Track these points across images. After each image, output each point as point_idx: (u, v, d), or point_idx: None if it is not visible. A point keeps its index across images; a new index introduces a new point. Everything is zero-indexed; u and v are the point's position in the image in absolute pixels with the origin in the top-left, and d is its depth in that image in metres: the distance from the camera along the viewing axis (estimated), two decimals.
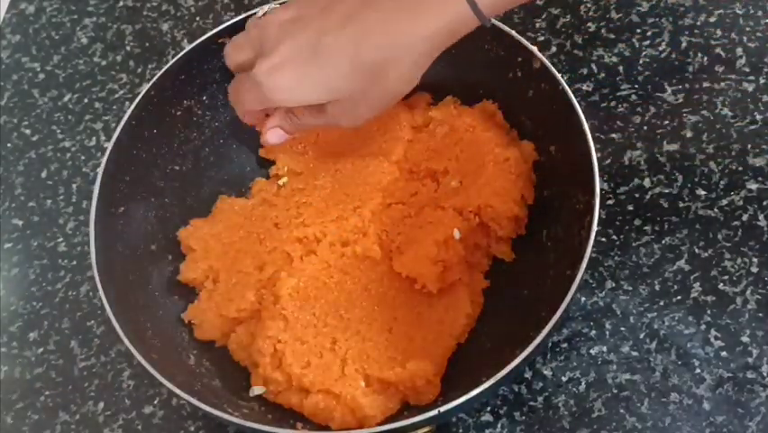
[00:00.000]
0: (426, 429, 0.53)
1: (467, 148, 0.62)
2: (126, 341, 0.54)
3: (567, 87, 0.59)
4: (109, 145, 0.62)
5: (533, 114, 0.63)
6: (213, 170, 0.68)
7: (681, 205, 0.63)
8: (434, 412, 0.50)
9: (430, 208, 0.61)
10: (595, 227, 0.53)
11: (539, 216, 0.61)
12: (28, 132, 0.78)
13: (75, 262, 0.69)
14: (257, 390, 0.58)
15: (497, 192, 0.60)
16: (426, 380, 0.55)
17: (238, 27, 0.64)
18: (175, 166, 0.66)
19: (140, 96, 0.63)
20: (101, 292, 0.56)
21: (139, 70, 0.80)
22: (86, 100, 0.79)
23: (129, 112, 0.63)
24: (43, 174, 0.75)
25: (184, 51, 0.65)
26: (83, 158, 0.75)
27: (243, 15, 0.64)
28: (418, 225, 0.60)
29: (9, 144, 0.77)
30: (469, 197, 0.60)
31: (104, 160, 0.61)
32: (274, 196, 0.65)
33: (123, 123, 0.62)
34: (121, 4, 0.84)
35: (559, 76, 0.59)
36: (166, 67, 0.65)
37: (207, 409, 0.52)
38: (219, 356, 0.61)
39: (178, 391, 0.52)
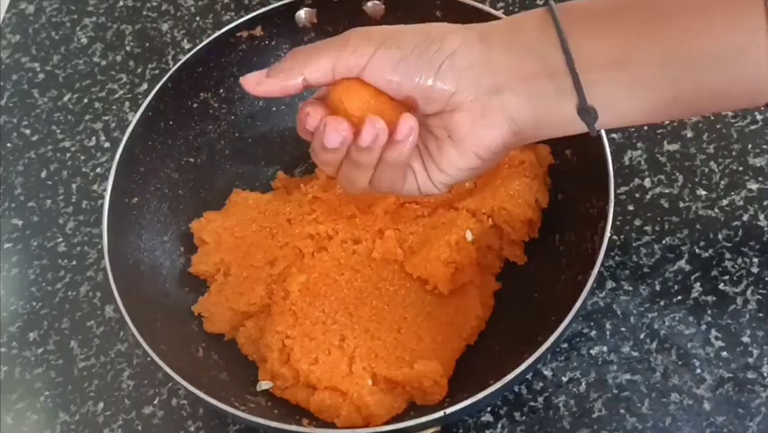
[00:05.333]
0: (432, 430, 0.53)
1: None
2: (135, 331, 0.54)
3: None
4: (124, 136, 0.62)
5: None
6: (227, 164, 0.68)
7: (682, 205, 0.63)
8: (440, 414, 0.50)
9: (443, 209, 0.61)
10: (608, 233, 0.53)
11: (552, 220, 0.61)
12: (28, 132, 0.78)
13: (75, 262, 0.69)
14: (264, 385, 0.58)
15: (511, 195, 0.59)
16: (434, 381, 0.55)
17: (257, 19, 0.65)
18: (190, 158, 0.67)
19: (157, 88, 0.64)
20: (111, 282, 0.56)
21: (139, 70, 0.79)
22: (85, 100, 0.79)
23: (146, 103, 0.63)
24: (43, 174, 0.75)
25: (203, 44, 0.65)
26: (83, 158, 0.75)
27: (267, 8, 0.65)
28: (431, 226, 0.60)
29: (9, 144, 0.77)
30: (483, 198, 0.60)
31: (119, 150, 0.61)
32: (288, 191, 0.65)
33: (139, 113, 0.63)
34: (121, 4, 0.84)
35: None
36: (184, 59, 0.65)
37: (214, 402, 0.52)
38: (228, 350, 0.61)
39: (184, 383, 0.52)
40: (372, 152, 0.48)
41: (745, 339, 0.58)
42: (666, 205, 0.64)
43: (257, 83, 0.48)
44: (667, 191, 0.64)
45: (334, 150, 0.48)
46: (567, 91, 0.46)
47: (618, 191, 0.64)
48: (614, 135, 0.67)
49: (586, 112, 0.46)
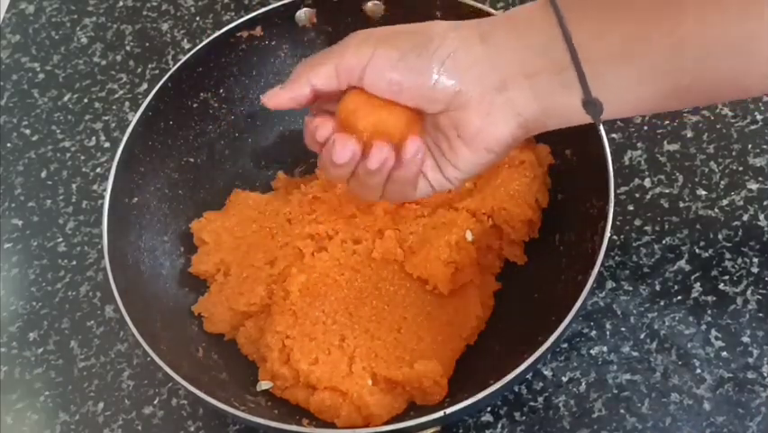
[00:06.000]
0: (432, 430, 0.53)
1: None
2: (135, 331, 0.54)
3: None
4: (124, 136, 0.62)
5: None
6: (227, 164, 0.68)
7: (682, 205, 0.63)
8: (439, 414, 0.50)
9: (443, 209, 0.61)
10: (608, 233, 0.53)
11: (552, 220, 0.61)
12: (28, 132, 0.78)
13: (75, 262, 0.69)
14: (264, 384, 0.58)
15: (511, 195, 0.59)
16: (434, 381, 0.55)
17: (257, 19, 0.65)
18: (189, 158, 0.67)
19: (157, 88, 0.64)
20: (111, 282, 0.56)
21: (139, 70, 0.79)
22: (85, 100, 0.79)
23: (146, 103, 0.63)
24: (43, 174, 0.75)
25: (203, 44, 0.65)
26: (83, 158, 0.75)
27: (267, 8, 0.65)
28: (431, 226, 0.60)
29: (9, 144, 0.77)
30: (483, 198, 0.60)
31: (119, 150, 0.61)
32: (288, 191, 0.65)
33: (138, 113, 0.63)
34: (121, 4, 0.84)
35: None
36: (184, 59, 0.65)
37: (214, 402, 0.52)
38: (228, 350, 0.61)
39: (184, 383, 0.52)
40: (380, 174, 0.49)
41: (745, 339, 0.58)
42: (666, 205, 0.64)
43: (273, 95, 0.50)
44: (667, 191, 0.64)
45: (343, 165, 0.49)
46: (572, 84, 0.46)
47: (618, 191, 0.64)
48: (614, 135, 0.67)
49: (591, 104, 0.46)
